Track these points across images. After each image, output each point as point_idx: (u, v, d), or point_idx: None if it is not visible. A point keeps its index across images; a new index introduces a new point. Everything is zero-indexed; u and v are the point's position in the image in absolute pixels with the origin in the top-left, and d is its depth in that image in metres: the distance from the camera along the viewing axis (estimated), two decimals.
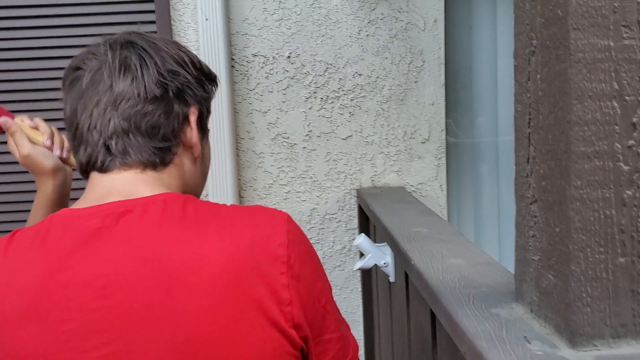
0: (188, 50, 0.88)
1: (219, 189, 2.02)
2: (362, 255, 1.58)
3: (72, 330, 0.67)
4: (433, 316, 1.15)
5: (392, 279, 1.55)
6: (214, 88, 0.93)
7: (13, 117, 1.03)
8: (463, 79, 2.26)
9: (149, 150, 0.79)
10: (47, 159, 1.00)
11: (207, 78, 0.90)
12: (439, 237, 1.36)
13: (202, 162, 0.91)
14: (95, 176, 0.80)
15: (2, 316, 0.68)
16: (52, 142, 1.02)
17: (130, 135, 0.78)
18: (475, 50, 2.26)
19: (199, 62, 0.89)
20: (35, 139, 1.01)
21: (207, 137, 0.94)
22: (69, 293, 0.68)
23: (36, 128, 1.03)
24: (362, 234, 1.54)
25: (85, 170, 0.81)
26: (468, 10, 2.25)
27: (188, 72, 0.84)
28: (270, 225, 0.77)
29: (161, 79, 0.80)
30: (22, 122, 1.01)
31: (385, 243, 1.55)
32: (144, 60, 0.81)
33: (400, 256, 1.31)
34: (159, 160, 0.80)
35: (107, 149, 0.79)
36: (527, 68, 0.83)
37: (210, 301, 0.68)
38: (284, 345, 0.72)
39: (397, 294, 1.53)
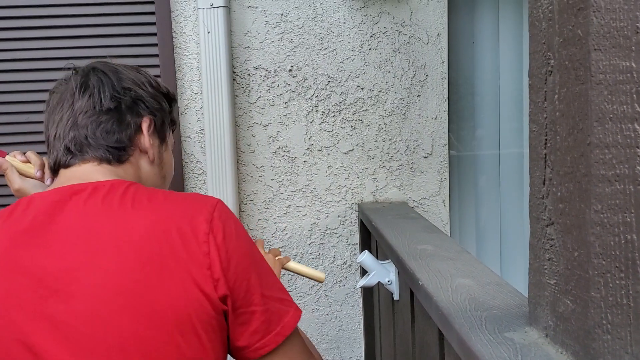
0: (147, 74, 1.04)
1: None
2: (364, 272, 1.55)
3: (26, 284, 0.80)
4: (441, 337, 1.13)
5: (396, 296, 1.53)
6: (171, 104, 1.08)
7: (4, 155, 1.12)
8: (465, 92, 2.25)
9: (103, 149, 0.94)
10: (37, 189, 1.09)
11: (163, 95, 1.05)
12: (445, 255, 1.33)
13: (161, 166, 1.05)
14: (61, 171, 0.95)
15: None
16: (43, 172, 1.10)
17: (88, 138, 0.94)
18: (478, 64, 2.25)
19: (156, 82, 1.05)
20: (26, 172, 1.10)
21: (167, 145, 1.07)
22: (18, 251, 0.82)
23: (28, 161, 1.12)
24: (366, 251, 1.52)
25: (55, 170, 0.96)
26: (471, 25, 2.24)
27: (143, 90, 1.00)
28: (198, 204, 0.87)
29: (115, 94, 0.96)
30: (14, 159, 1.11)
31: (389, 260, 1.53)
32: (102, 81, 0.96)
33: (406, 275, 1.29)
34: (112, 157, 0.95)
35: (68, 150, 0.94)
36: (544, 88, 0.81)
37: (134, 259, 0.79)
38: (204, 304, 0.81)
39: (401, 312, 1.51)
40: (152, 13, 1.95)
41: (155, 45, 1.96)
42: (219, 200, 0.90)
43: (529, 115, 0.86)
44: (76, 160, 0.94)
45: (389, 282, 1.52)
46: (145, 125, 0.99)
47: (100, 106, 0.95)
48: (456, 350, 0.91)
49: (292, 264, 1.34)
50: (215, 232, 0.84)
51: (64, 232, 0.82)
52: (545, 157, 0.82)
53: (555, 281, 0.80)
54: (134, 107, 0.98)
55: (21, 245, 0.82)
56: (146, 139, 0.98)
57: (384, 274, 1.52)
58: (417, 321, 1.34)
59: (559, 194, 0.78)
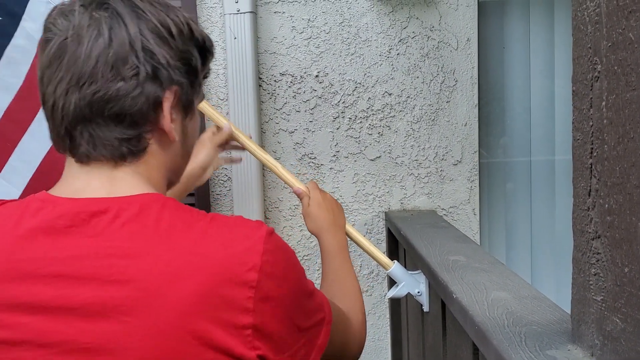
0: (179, 15, 0.77)
1: (245, 209, 1.97)
2: (392, 282, 1.51)
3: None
4: (475, 351, 1.09)
5: (426, 308, 1.49)
6: (206, 58, 0.84)
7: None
8: (496, 98, 2.20)
9: (115, 142, 0.73)
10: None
11: (197, 47, 0.80)
12: (478, 267, 1.29)
13: (184, 141, 0.83)
14: (71, 163, 0.75)
15: None
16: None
17: (94, 124, 0.71)
18: (508, 69, 2.21)
19: (189, 28, 0.78)
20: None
21: (193, 114, 0.84)
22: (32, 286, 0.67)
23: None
24: (395, 261, 1.48)
25: (57, 149, 0.76)
26: (501, 30, 2.19)
27: (170, 47, 0.74)
28: (245, 242, 0.70)
29: (133, 60, 0.71)
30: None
31: (419, 271, 1.49)
32: (115, 33, 0.71)
33: (438, 287, 1.25)
34: (127, 151, 0.74)
35: (72, 137, 0.73)
36: (590, 94, 0.77)
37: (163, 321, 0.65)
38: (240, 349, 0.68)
39: (432, 324, 1.47)
40: None
41: None
42: (268, 232, 0.74)
43: (573, 123, 0.82)
44: (89, 157, 0.73)
45: (419, 293, 1.48)
46: (167, 104, 0.75)
47: (110, 75, 0.70)
48: None
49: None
50: (263, 283, 0.70)
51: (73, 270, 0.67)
52: (591, 167, 0.78)
53: (602, 298, 0.76)
54: (156, 77, 0.73)
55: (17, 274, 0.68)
56: (167, 118, 0.76)
57: (413, 284, 1.48)
58: (449, 334, 1.30)
59: (606, 205, 0.74)
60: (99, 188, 0.73)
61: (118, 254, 0.67)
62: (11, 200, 0.77)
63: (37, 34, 1.40)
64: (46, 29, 0.74)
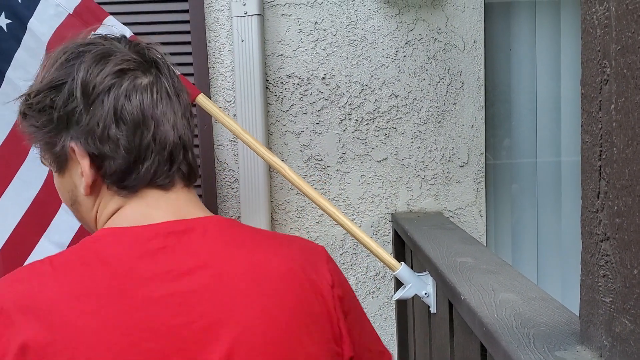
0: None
1: (252, 210, 1.98)
2: (399, 284, 1.52)
3: (154, 349, 0.66)
4: (483, 353, 1.09)
5: (433, 310, 1.49)
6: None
7: None
8: (502, 100, 2.21)
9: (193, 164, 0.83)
10: None
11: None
12: (486, 268, 1.30)
13: None
14: (144, 192, 0.79)
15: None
16: None
17: (186, 150, 0.81)
18: (515, 71, 2.21)
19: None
20: None
21: None
22: (149, 310, 0.67)
23: None
24: (403, 263, 1.49)
25: (126, 185, 0.78)
26: (507, 31, 2.20)
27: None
28: (312, 251, 0.81)
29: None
30: None
31: (427, 272, 1.49)
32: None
33: (446, 288, 1.25)
34: (193, 177, 0.84)
35: (172, 161, 0.79)
36: (598, 97, 0.77)
37: (278, 313, 0.71)
38: (334, 347, 0.76)
39: (439, 326, 1.47)
40: (187, 22, 1.95)
41: (190, 53, 1.96)
42: (324, 247, 0.84)
43: (582, 126, 0.83)
44: (171, 180, 0.79)
45: (426, 295, 1.48)
46: None
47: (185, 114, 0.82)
48: None
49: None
50: (336, 284, 0.78)
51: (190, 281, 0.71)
52: (600, 169, 0.78)
53: (611, 299, 0.77)
54: None
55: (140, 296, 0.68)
56: None
57: (420, 286, 1.48)
58: (457, 335, 1.30)
59: (615, 208, 0.75)
60: (176, 212, 0.79)
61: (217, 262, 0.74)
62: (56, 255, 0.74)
63: (44, 37, 1.42)
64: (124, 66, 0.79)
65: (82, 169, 0.76)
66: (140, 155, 0.76)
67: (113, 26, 1.44)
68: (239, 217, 2.02)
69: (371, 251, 1.49)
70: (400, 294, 1.49)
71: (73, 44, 0.79)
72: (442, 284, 1.29)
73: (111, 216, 0.78)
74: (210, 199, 2.02)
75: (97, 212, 0.80)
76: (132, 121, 0.75)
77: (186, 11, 1.95)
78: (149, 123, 0.76)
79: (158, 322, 0.66)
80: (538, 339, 0.89)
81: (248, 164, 1.98)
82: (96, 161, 0.76)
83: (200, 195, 2.01)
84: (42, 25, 1.42)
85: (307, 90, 2.00)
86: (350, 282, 2.02)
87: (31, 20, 1.43)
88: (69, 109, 0.75)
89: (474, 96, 2.02)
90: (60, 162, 0.79)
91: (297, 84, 2.00)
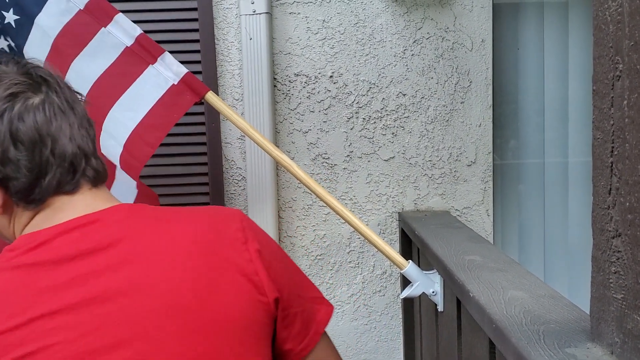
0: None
1: (259, 208, 1.99)
2: (406, 282, 1.52)
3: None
4: (492, 350, 1.09)
5: (440, 308, 1.49)
6: None
7: None
8: (510, 99, 2.20)
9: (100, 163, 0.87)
10: None
11: None
12: (494, 266, 1.30)
13: None
14: (51, 200, 0.82)
15: None
16: None
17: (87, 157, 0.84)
18: (522, 70, 2.20)
19: None
20: None
21: None
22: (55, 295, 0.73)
23: None
24: (410, 261, 1.49)
25: (33, 199, 0.81)
26: (515, 31, 2.19)
27: None
28: (224, 216, 0.85)
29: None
30: None
31: (434, 270, 1.49)
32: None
33: (455, 286, 1.25)
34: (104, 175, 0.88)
35: (73, 169, 0.82)
36: (611, 93, 0.77)
37: (186, 269, 0.77)
38: (259, 310, 0.80)
39: (447, 324, 1.47)
40: (195, 20, 1.96)
41: (198, 51, 1.97)
42: (239, 210, 0.90)
43: (593, 122, 0.83)
44: (76, 186, 0.83)
45: (434, 293, 1.48)
46: None
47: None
48: None
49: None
50: (250, 239, 0.83)
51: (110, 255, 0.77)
52: (612, 166, 0.78)
53: (622, 296, 0.76)
54: None
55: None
56: None
57: (428, 284, 1.48)
58: (465, 333, 1.30)
59: (627, 204, 0.74)
60: (84, 208, 0.83)
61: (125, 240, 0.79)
62: None
63: (51, 30, 1.42)
64: (20, 92, 0.82)
65: None
66: (41, 171, 0.79)
67: (123, 23, 1.45)
68: (245, 214, 2.02)
69: (379, 249, 1.49)
70: (408, 292, 1.49)
71: None
72: (451, 282, 1.29)
73: (24, 228, 0.82)
74: (217, 197, 2.02)
75: (13, 228, 0.84)
76: (29, 141, 0.78)
77: (195, 9, 1.96)
78: (45, 140, 0.79)
79: (61, 304, 0.71)
80: (548, 336, 0.89)
81: (255, 162, 1.98)
82: (1, 183, 0.80)
83: (207, 193, 2.02)
84: (50, 20, 1.43)
85: (314, 88, 2.00)
86: (356, 281, 2.03)
87: (39, 15, 1.43)
88: None
89: (482, 95, 2.02)
90: None
91: (305, 82, 2.00)
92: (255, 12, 1.91)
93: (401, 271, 1.50)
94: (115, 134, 1.44)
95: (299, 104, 2.01)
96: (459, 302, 1.31)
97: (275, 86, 2.00)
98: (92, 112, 1.44)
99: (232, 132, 2.02)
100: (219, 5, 1.97)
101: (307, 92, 2.01)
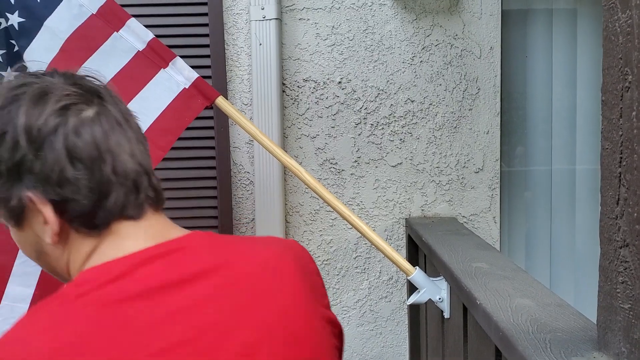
0: None
1: (266, 213, 2.00)
2: (413, 288, 1.52)
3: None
4: (498, 357, 1.09)
5: (446, 314, 1.50)
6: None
7: None
8: (517, 106, 2.21)
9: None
10: None
11: None
12: (501, 274, 1.30)
13: None
14: (115, 226, 0.74)
15: None
16: None
17: (148, 176, 0.77)
18: (530, 78, 2.21)
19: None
20: None
21: None
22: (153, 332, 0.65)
23: None
24: (417, 268, 1.49)
25: (96, 224, 0.73)
26: (524, 39, 2.20)
27: None
28: (296, 245, 0.86)
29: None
30: None
31: (441, 277, 1.49)
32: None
33: (461, 293, 1.26)
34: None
35: (137, 190, 0.75)
36: (619, 104, 0.78)
37: (292, 297, 0.75)
38: (334, 341, 0.81)
39: (452, 331, 1.47)
40: (206, 25, 1.97)
41: (208, 56, 1.98)
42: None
43: (602, 133, 0.83)
44: (141, 209, 0.76)
45: (440, 300, 1.49)
46: None
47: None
48: None
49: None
50: (323, 284, 0.85)
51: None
52: (620, 176, 0.78)
53: (630, 306, 0.77)
54: None
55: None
56: None
57: (435, 291, 1.49)
58: (471, 340, 1.30)
59: (635, 214, 0.75)
60: (156, 236, 0.76)
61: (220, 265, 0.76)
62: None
63: (62, 34, 1.43)
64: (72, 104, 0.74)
65: (46, 217, 0.71)
66: (102, 191, 0.71)
67: (135, 28, 1.46)
68: (253, 219, 2.03)
69: (386, 255, 1.50)
70: (414, 298, 1.50)
71: (4, 88, 0.73)
72: (458, 289, 1.30)
73: (87, 258, 0.74)
74: (225, 201, 2.03)
75: (68, 259, 0.75)
76: (88, 158, 0.70)
77: (205, 14, 1.97)
78: (105, 156, 0.71)
79: (164, 343, 0.64)
80: (554, 345, 0.89)
81: (263, 166, 1.99)
82: (59, 207, 0.71)
83: (215, 197, 2.03)
84: (61, 23, 1.44)
85: (323, 94, 2.01)
86: (362, 286, 2.03)
87: (50, 17, 1.44)
88: (17, 159, 0.69)
89: (490, 102, 2.02)
90: (17, 215, 0.74)
91: (314, 88, 2.01)
92: (265, 18, 1.93)
93: (408, 277, 1.50)
94: None
95: (308, 109, 2.02)
96: (465, 309, 1.31)
97: (284, 91, 2.01)
98: None
99: (240, 137, 2.03)
100: (229, 11, 1.98)
101: (316, 98, 2.02)
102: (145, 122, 1.45)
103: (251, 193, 2.05)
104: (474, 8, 1.99)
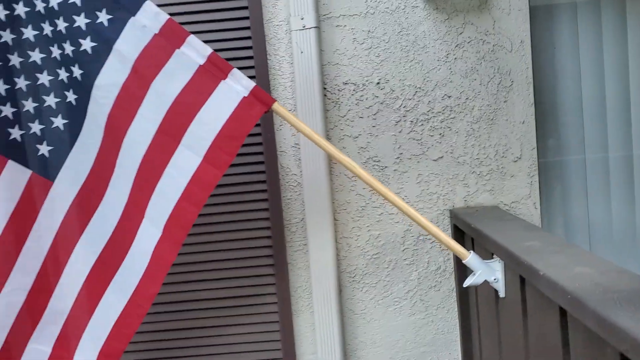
0: None
1: (315, 212, 2.09)
2: (461, 275, 1.60)
3: None
4: (563, 324, 1.16)
5: (502, 294, 1.57)
6: None
7: None
8: (549, 97, 2.28)
9: None
10: None
11: None
12: (555, 249, 1.38)
13: None
14: None
15: None
16: None
17: None
18: (560, 70, 2.28)
19: None
20: None
21: None
22: None
23: None
24: (472, 252, 1.57)
25: None
26: (551, 32, 2.28)
27: None
28: None
29: None
30: None
31: (495, 259, 1.57)
32: None
33: (521, 267, 1.33)
34: None
35: None
36: None
37: None
38: None
39: (509, 308, 1.55)
40: (249, 38, 2.09)
41: (252, 67, 2.09)
42: None
43: None
44: None
45: (496, 280, 1.57)
46: None
47: None
48: (593, 329, 0.96)
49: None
50: None
51: None
52: None
53: None
54: None
55: None
56: None
57: (489, 272, 1.57)
58: (530, 313, 1.38)
59: None
60: None
61: None
62: None
63: (130, 55, 1.54)
64: None
65: None
66: None
67: (195, 44, 1.57)
68: (302, 219, 2.13)
69: (442, 242, 1.59)
70: (471, 280, 1.58)
71: None
72: (516, 265, 1.38)
73: None
74: (275, 203, 2.13)
75: None
76: None
77: (247, 28, 2.08)
78: None
79: None
80: (624, 301, 0.96)
81: (310, 168, 2.09)
82: None
83: (266, 199, 2.13)
84: (128, 45, 1.55)
85: (362, 95, 2.11)
86: (412, 277, 2.12)
87: (117, 41, 1.56)
88: None
89: (524, 93, 2.10)
90: None
91: (353, 90, 2.11)
92: (305, 27, 2.03)
93: (463, 261, 1.59)
94: (195, 147, 1.56)
95: (349, 110, 2.12)
96: (522, 284, 1.39)
97: (325, 95, 2.11)
98: (171, 128, 1.57)
99: (286, 141, 2.14)
100: (269, 23, 2.09)
101: (356, 99, 2.11)
102: (212, 130, 1.56)
103: (299, 194, 2.14)
104: (503, 4, 2.08)
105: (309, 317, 2.18)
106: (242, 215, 2.14)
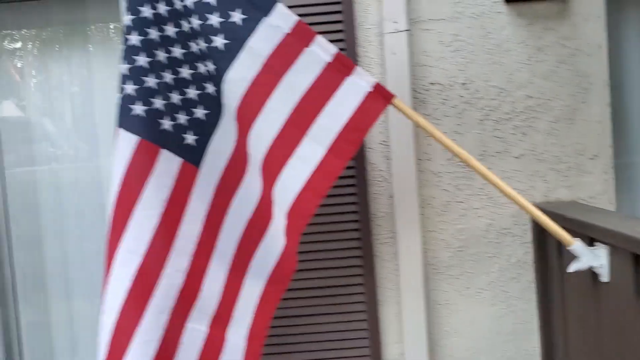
0: None
1: (403, 206, 2.20)
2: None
3: None
4: None
5: (606, 279, 1.68)
6: None
7: None
8: (625, 98, 2.41)
9: None
10: None
11: None
12: None
13: None
14: None
15: None
16: None
17: None
18: (635, 73, 2.40)
19: None
20: None
21: None
22: None
23: None
24: (578, 239, 1.68)
25: None
26: (628, 35, 2.40)
27: None
28: None
29: None
30: None
31: (599, 246, 1.68)
32: None
33: (632, 244, 1.43)
34: None
35: None
36: None
37: None
38: None
39: (615, 292, 1.64)
40: (342, 40, 2.20)
41: None
42: None
43: None
44: None
45: (601, 266, 1.68)
46: None
47: None
48: None
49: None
50: None
51: None
52: None
53: None
54: None
55: None
56: None
57: (594, 259, 1.68)
58: None
59: None
60: None
61: None
62: None
63: (263, 51, 1.65)
64: None
65: None
66: None
67: (322, 43, 1.68)
68: (390, 212, 2.24)
69: (548, 228, 1.70)
70: (577, 266, 1.69)
71: None
72: (626, 243, 1.48)
73: None
74: (363, 198, 2.24)
75: None
76: None
77: (342, 31, 2.20)
78: None
79: None
80: None
81: (398, 164, 2.20)
82: None
83: (355, 194, 2.24)
84: (261, 43, 1.67)
85: (448, 95, 2.23)
86: (494, 269, 2.24)
87: (251, 39, 1.67)
88: None
89: (600, 95, 2.23)
90: None
91: (440, 90, 2.23)
92: (398, 30, 2.15)
93: (568, 248, 1.70)
94: (320, 139, 1.67)
95: (435, 109, 2.24)
96: (636, 264, 1.49)
97: (413, 95, 2.23)
98: (299, 119, 1.68)
99: (373, 138, 2.25)
100: (362, 27, 2.21)
101: (442, 99, 2.23)
102: (338, 123, 1.67)
103: (385, 189, 2.25)
104: (582, 11, 2.21)
105: (394, 307, 2.29)
106: (331, 209, 2.25)
